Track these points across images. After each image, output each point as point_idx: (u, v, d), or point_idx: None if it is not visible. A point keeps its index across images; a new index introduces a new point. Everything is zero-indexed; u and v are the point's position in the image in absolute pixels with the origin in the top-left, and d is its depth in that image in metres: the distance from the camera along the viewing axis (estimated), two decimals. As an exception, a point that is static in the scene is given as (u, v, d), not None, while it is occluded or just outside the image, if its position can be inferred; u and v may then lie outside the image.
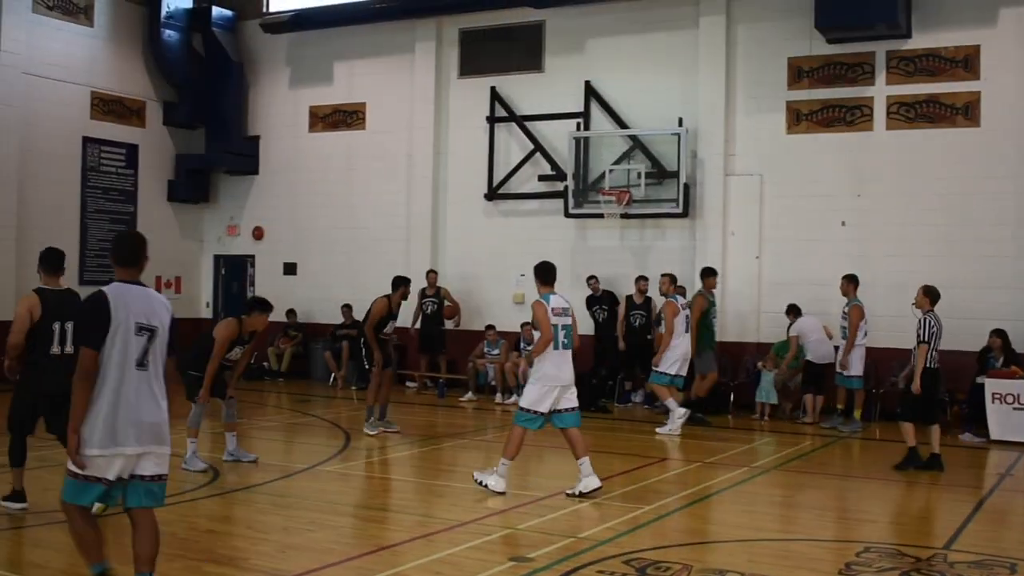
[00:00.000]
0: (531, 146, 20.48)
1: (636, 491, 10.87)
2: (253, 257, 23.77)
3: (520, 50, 20.87)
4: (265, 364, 21.93)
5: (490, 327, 19.65)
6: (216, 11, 23.35)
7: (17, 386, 9.12)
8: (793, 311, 17.11)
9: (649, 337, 18.23)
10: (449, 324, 20.31)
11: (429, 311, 20.05)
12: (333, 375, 21.04)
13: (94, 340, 6.02)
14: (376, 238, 21.88)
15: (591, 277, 18.88)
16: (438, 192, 21.48)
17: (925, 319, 12.35)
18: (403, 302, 14.93)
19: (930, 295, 12.54)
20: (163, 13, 22.65)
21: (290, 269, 23.06)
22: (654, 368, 15.54)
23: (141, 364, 6.11)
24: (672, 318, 15.41)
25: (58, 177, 21.17)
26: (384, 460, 12.88)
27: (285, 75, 23.47)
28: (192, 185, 23.69)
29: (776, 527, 9.69)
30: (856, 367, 15.85)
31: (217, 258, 24.20)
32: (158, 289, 22.37)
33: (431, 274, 20.18)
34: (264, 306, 11.60)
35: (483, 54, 21.26)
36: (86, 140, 21.73)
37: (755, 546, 8.58)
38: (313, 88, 23.05)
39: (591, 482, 10.26)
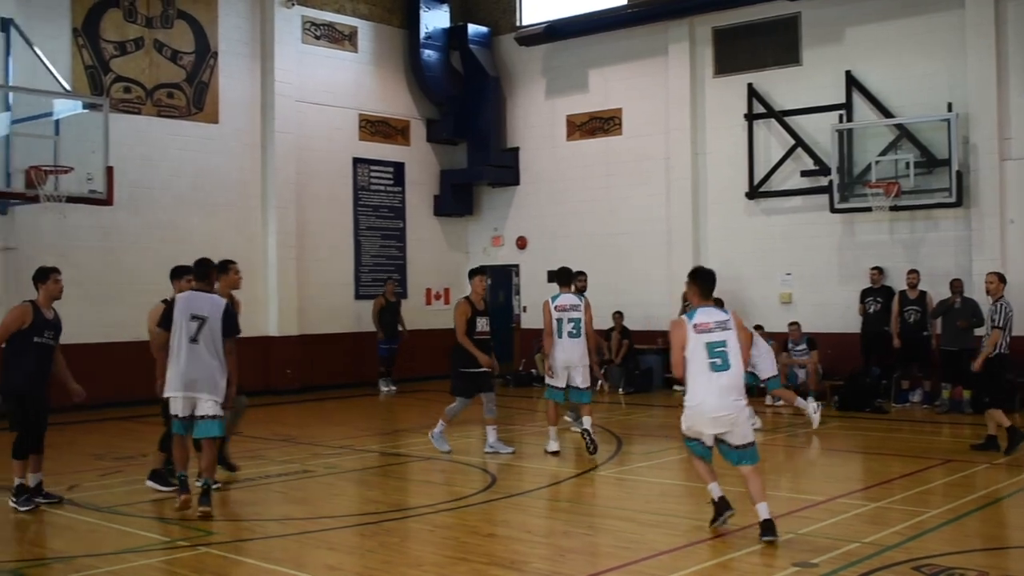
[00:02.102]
0: (792, 141, 20.05)
1: (919, 495, 10.45)
2: (517, 266, 24.24)
3: (776, 44, 20.47)
4: (534, 371, 22.26)
5: (758, 327, 19.28)
6: (472, 28, 24.01)
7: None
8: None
9: (925, 334, 17.51)
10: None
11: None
12: (599, 381, 21.14)
13: (164, 324, 9.77)
14: (637, 243, 21.91)
15: (875, 268, 18.30)
16: (697, 194, 21.32)
17: (1001, 305, 12.71)
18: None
19: (1005, 282, 13.06)
20: (422, 34, 23.48)
21: (553, 277, 23.30)
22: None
23: (193, 340, 9.62)
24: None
25: (332, 196, 22.26)
26: (655, 465, 12.85)
27: (541, 86, 23.84)
28: (456, 199, 24.40)
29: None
30: None
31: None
32: (427, 301, 23.51)
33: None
34: None
35: (738, 51, 20.98)
36: (356, 161, 22.75)
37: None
38: (568, 97, 23.32)
39: (551, 445, 12.92)
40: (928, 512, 9.46)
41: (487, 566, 7.86)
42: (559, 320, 13.01)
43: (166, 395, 9.70)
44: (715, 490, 8.78)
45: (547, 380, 13.02)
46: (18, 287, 16.14)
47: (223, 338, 9.71)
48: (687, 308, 10.01)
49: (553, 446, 12.96)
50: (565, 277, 13.60)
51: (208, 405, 9.62)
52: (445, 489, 11.39)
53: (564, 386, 12.87)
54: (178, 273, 10.67)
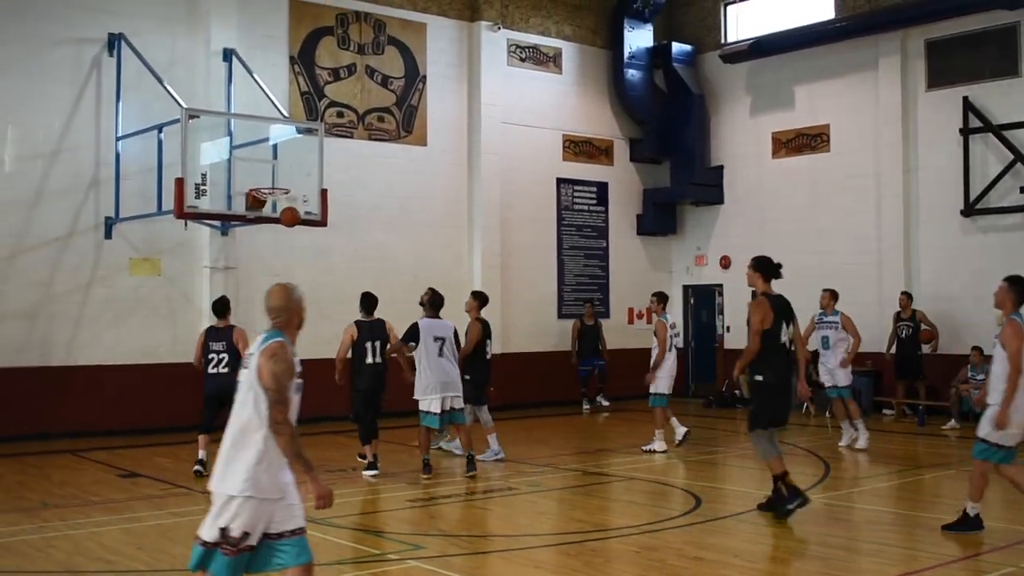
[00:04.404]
0: (1010, 156, 19.23)
1: None
2: (721, 286, 23.99)
3: (992, 55, 19.69)
4: (737, 392, 21.98)
5: (976, 348, 18.55)
6: (676, 47, 23.96)
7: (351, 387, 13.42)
8: None
9: None
10: (926, 348, 19.43)
11: (904, 335, 19.29)
12: (804, 404, 20.71)
13: (407, 339, 12.82)
14: (846, 261, 21.36)
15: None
16: (909, 211, 20.67)
17: None
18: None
19: None
20: (626, 54, 23.55)
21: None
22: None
23: (440, 353, 12.63)
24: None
25: (535, 216, 22.54)
26: (864, 491, 12.52)
27: (745, 103, 23.58)
28: (660, 218, 24.35)
29: None
30: None
31: (686, 288, 24.67)
32: (629, 320, 23.51)
33: (904, 296, 19.44)
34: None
35: (952, 63, 20.27)
36: (559, 181, 22.97)
37: None
38: (774, 114, 22.99)
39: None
40: None
41: (692, 589, 7.82)
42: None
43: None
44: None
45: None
46: (236, 304, 16.97)
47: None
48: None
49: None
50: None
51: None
52: (649, 510, 11.37)
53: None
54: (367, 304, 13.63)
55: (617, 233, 23.99)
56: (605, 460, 14.82)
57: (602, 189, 23.73)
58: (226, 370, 12.74)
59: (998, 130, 19.45)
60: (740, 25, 23.88)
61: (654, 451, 15.01)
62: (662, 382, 15.25)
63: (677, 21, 24.77)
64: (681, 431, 15.73)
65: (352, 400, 13.50)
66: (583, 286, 23.20)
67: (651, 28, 24.08)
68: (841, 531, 9.92)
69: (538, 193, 22.67)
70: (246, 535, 5.55)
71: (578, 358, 21.82)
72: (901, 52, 20.78)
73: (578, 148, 23.34)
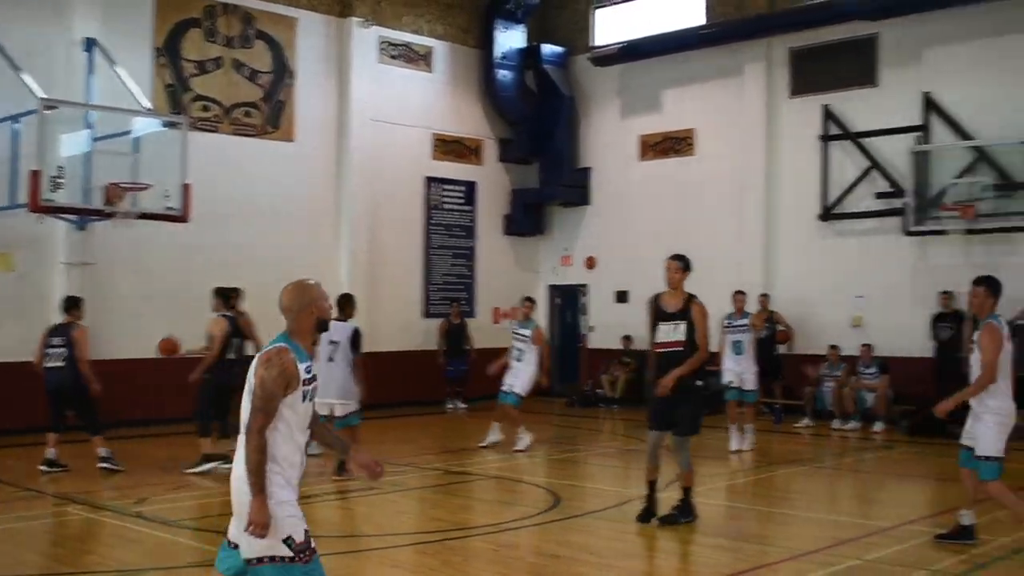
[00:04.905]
0: (867, 163, 19.84)
1: (990, 523, 10.28)
2: (586, 286, 24.23)
3: (853, 65, 20.27)
4: (600, 391, 22.25)
5: (833, 347, 19.10)
6: (547, 48, 24.08)
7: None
8: None
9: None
10: (782, 348, 19.91)
11: (763, 336, 19.72)
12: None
13: None
14: (708, 264, 21.52)
15: (944, 292, 18.02)
16: (770, 215, 21.17)
17: None
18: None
19: None
20: (497, 55, 23.60)
21: (622, 297, 23.31)
22: None
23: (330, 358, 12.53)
24: None
25: (404, 215, 22.44)
26: (721, 487, 12.77)
27: (615, 106, 23.86)
28: (528, 218, 24.46)
29: None
30: None
31: (552, 288, 24.85)
32: (495, 320, 23.56)
33: (762, 298, 19.88)
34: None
35: (814, 72, 20.81)
36: (429, 180, 22.92)
37: None
38: (642, 117, 23.31)
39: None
40: (998, 540, 9.30)
41: (547, 586, 7.88)
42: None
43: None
44: None
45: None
46: (97, 302, 16.53)
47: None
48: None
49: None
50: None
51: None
52: (509, 508, 11.42)
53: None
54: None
55: (485, 233, 24.03)
56: (468, 459, 14.83)
57: (471, 189, 23.75)
58: (62, 364, 12.74)
59: (855, 137, 20.05)
60: (611, 29, 24.11)
61: (522, 449, 15.04)
62: (525, 383, 15.32)
63: (550, 23, 24.91)
64: (494, 437, 15.75)
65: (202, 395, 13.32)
66: (450, 285, 23.18)
67: (523, 29, 24.17)
68: (696, 527, 10.08)
69: (407, 192, 22.56)
70: (308, 532, 5.12)
71: (445, 357, 21.82)
72: (766, 60, 21.26)
73: (448, 147, 23.32)
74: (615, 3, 24.15)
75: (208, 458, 12.95)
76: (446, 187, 23.24)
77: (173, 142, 16.38)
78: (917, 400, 17.62)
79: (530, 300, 16.28)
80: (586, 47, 24.17)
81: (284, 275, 10.46)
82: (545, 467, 14.08)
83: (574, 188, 24.02)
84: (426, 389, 21.79)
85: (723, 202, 21.76)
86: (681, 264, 10.39)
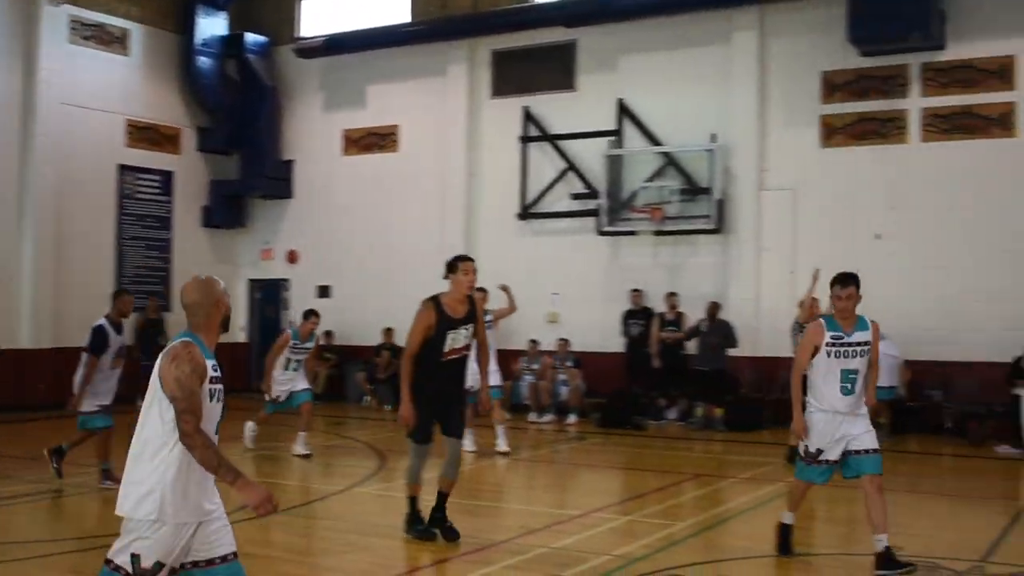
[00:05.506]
0: (564, 165, 20.49)
1: (670, 508, 10.82)
2: (288, 280, 23.88)
3: (552, 70, 20.89)
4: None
5: (532, 341, 19.61)
6: (250, 37, 23.56)
7: None
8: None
9: (683, 353, 18.28)
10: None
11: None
12: (366, 396, 21.16)
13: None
14: (410, 260, 21.85)
15: (635, 290, 18.91)
16: (471, 213, 21.52)
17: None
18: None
19: None
20: (197, 41, 22.90)
21: (324, 292, 23.11)
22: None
23: None
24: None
25: (94, 205, 21.39)
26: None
27: (318, 99, 23.63)
28: (227, 210, 23.84)
29: (816, 542, 9.54)
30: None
31: (252, 282, 24.34)
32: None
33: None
34: None
35: (516, 75, 21.31)
36: (122, 168, 21.95)
37: (792, 561, 8.47)
38: (346, 112, 23.19)
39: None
40: (677, 524, 9.77)
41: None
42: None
43: None
44: None
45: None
46: None
47: None
48: None
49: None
50: None
51: None
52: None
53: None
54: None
55: (182, 225, 23.23)
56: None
57: (167, 178, 22.90)
58: None
59: (553, 139, 20.66)
60: (317, 21, 23.85)
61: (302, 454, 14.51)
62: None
63: (255, 12, 24.30)
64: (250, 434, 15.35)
65: None
66: (144, 278, 22.24)
67: (226, 16, 23.55)
68: (393, 521, 10.06)
69: (98, 179, 21.50)
70: (159, 565, 4.71)
71: (140, 353, 20.89)
72: (469, 60, 21.59)
73: (142, 134, 22.39)
74: (321, -5, 23.95)
75: None
76: (141, 176, 22.33)
77: None
78: (609, 394, 18.39)
79: (315, 314, 15.31)
80: (291, 38, 23.81)
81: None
82: (251, 465, 13.77)
83: (276, 180, 23.63)
84: (121, 388, 20.78)
85: (426, 199, 21.94)
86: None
